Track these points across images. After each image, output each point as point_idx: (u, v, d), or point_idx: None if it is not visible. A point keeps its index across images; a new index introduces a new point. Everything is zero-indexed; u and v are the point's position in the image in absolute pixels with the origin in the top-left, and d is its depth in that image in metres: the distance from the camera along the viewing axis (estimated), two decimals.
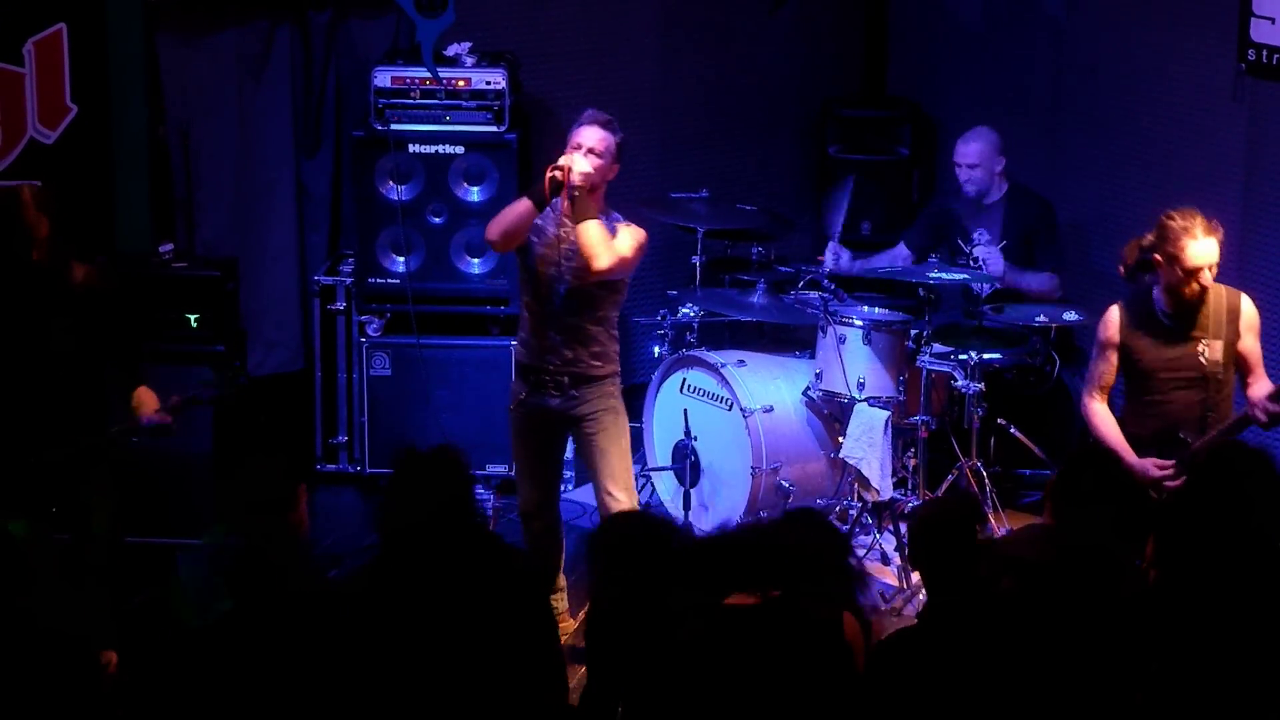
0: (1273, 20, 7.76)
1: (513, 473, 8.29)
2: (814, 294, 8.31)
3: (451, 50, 8.40)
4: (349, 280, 8.55)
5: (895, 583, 7.63)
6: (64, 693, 4.79)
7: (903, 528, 7.79)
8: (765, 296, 8.28)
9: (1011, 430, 8.05)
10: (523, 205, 6.76)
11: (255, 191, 8.80)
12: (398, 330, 8.49)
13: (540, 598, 5.33)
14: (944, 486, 7.93)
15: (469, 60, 8.39)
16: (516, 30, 8.83)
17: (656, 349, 8.48)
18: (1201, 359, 6.65)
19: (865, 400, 7.82)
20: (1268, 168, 7.90)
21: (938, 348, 7.91)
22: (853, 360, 7.85)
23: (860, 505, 7.93)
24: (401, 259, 8.44)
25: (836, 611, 4.92)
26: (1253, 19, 7.83)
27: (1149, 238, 6.66)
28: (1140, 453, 6.69)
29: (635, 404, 8.03)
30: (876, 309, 8.13)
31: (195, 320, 7.80)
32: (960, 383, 7.82)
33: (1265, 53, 7.80)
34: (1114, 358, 6.80)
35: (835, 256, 8.63)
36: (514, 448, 7.17)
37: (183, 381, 7.33)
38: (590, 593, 5.06)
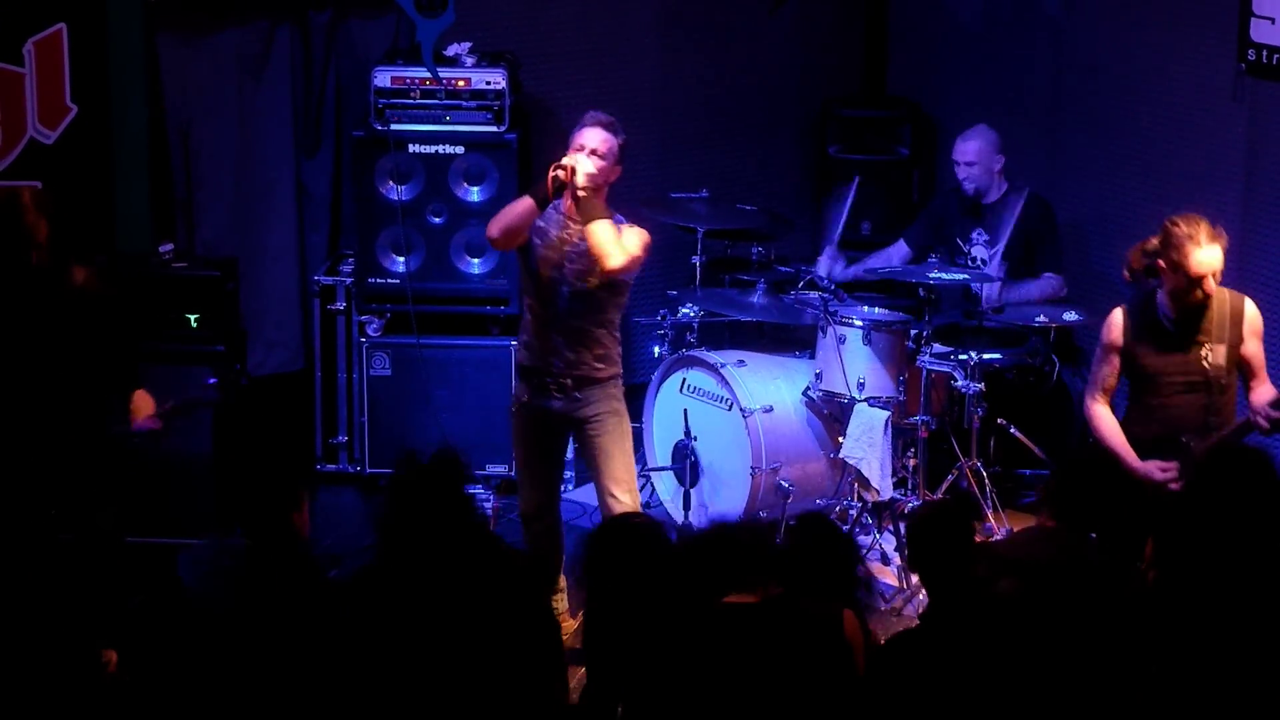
0: (1273, 20, 7.76)
1: (513, 473, 8.30)
2: (814, 294, 8.31)
3: (451, 50, 8.40)
4: (349, 280, 8.55)
5: (895, 583, 7.63)
6: (64, 692, 4.79)
7: (903, 528, 7.79)
8: (765, 296, 8.28)
9: (1011, 430, 8.05)
10: (524, 204, 6.75)
11: (255, 191, 8.80)
12: (398, 330, 8.49)
13: (541, 598, 5.33)
14: (944, 486, 7.93)
15: (469, 60, 8.39)
16: (516, 30, 8.83)
17: (656, 349, 8.48)
18: (1205, 363, 6.64)
19: (865, 400, 7.82)
20: (1268, 168, 7.90)
21: (938, 348, 7.91)
22: (853, 360, 7.85)
23: (860, 505, 7.93)
24: (401, 259, 8.44)
25: (836, 609, 4.92)
26: (1253, 19, 7.83)
27: (1153, 242, 6.65)
28: (1142, 456, 6.68)
29: (635, 404, 8.03)
30: (876, 309, 8.12)
31: (195, 320, 7.80)
32: (960, 383, 7.82)
33: (1265, 53, 7.80)
34: (1116, 361, 6.79)
35: (830, 263, 8.62)
36: (515, 450, 7.17)
37: (183, 382, 7.35)
38: (585, 600, 5.05)
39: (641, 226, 6.90)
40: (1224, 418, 6.68)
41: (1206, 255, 6.52)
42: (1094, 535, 6.07)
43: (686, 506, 7.94)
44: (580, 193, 6.66)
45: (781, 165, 9.70)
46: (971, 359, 7.82)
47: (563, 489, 7.64)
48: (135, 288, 7.67)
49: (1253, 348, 6.68)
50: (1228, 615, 5.04)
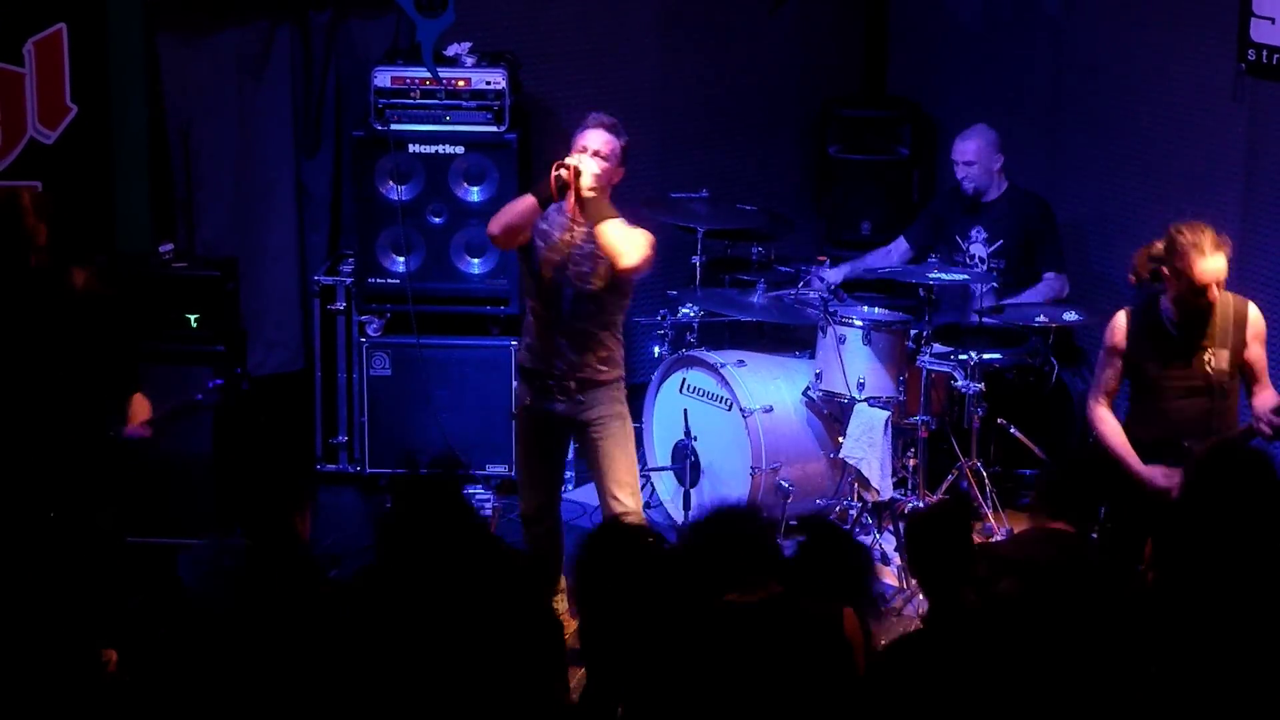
0: (1273, 20, 7.76)
1: (513, 473, 8.30)
2: (814, 294, 8.31)
3: (451, 50, 8.40)
4: (349, 280, 8.55)
5: (895, 583, 7.63)
6: (64, 692, 4.79)
7: (903, 528, 7.79)
8: (765, 296, 8.28)
9: (1011, 430, 8.04)
10: (526, 201, 6.74)
11: (255, 191, 8.80)
12: (398, 330, 8.49)
13: (541, 599, 5.33)
14: (944, 486, 7.93)
15: (469, 60, 8.39)
16: (516, 30, 8.83)
17: (656, 349, 8.48)
18: (1207, 368, 6.63)
19: (865, 400, 7.82)
20: (1268, 168, 7.90)
21: (938, 348, 7.91)
22: (853, 360, 7.85)
23: (860, 505, 7.93)
24: (401, 259, 8.44)
25: (836, 609, 4.92)
26: (1253, 19, 7.83)
27: (1158, 246, 6.64)
28: (1143, 459, 6.68)
29: (635, 404, 8.03)
30: (876, 309, 8.13)
31: (195, 320, 7.79)
32: (960, 383, 7.82)
33: (1265, 53, 7.80)
34: (1119, 364, 6.79)
35: (820, 279, 8.63)
36: (517, 452, 7.15)
37: (183, 382, 7.34)
38: (579, 606, 5.03)
39: (642, 227, 6.90)
40: (1226, 422, 6.68)
41: (1211, 264, 6.51)
42: (1094, 535, 6.09)
43: (686, 506, 7.94)
44: (588, 193, 6.65)
45: (781, 165, 9.70)
46: (971, 359, 7.82)
47: (563, 489, 7.63)
48: (135, 288, 7.68)
49: (1255, 352, 6.67)
50: (1227, 616, 5.04)
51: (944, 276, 7.87)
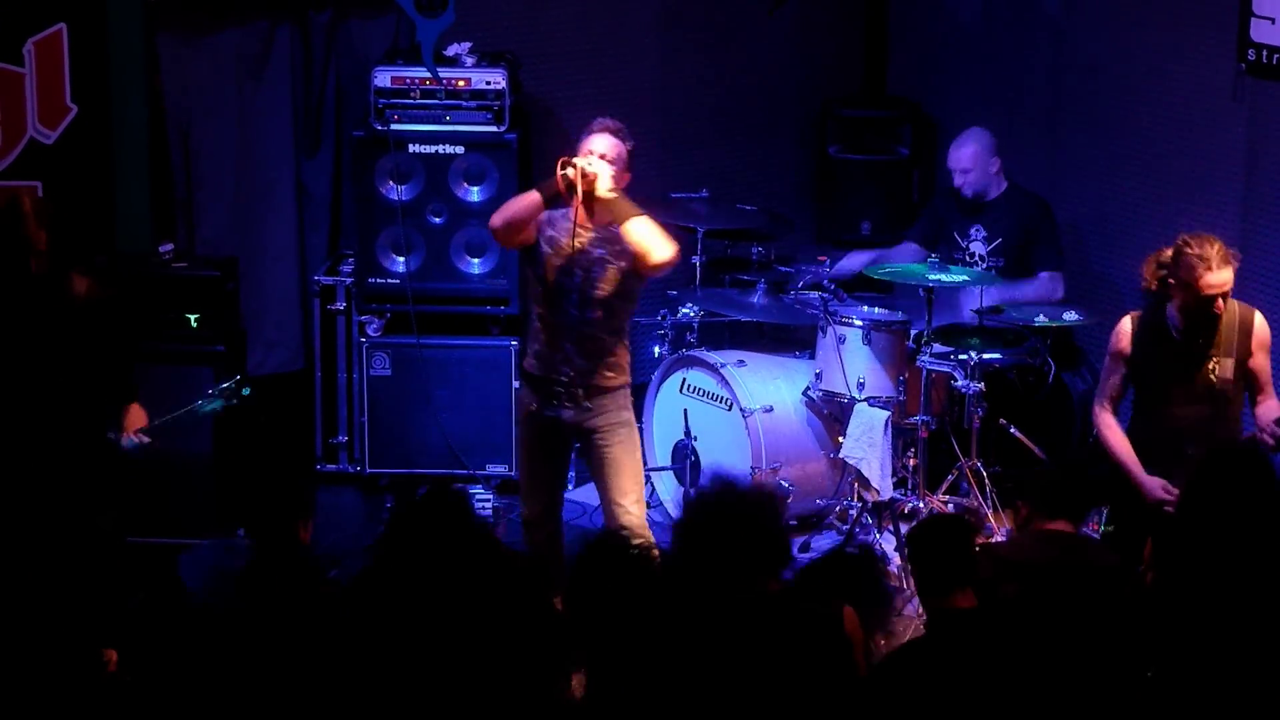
0: (1273, 20, 7.76)
1: (513, 473, 8.31)
2: (814, 294, 8.30)
3: (451, 50, 8.40)
4: (349, 280, 8.55)
5: (895, 583, 7.62)
6: (64, 692, 4.79)
7: (903, 528, 7.79)
8: (765, 296, 8.28)
9: (1011, 430, 8.04)
10: (531, 197, 6.71)
11: (255, 191, 8.80)
12: (398, 330, 8.49)
13: (542, 600, 5.32)
14: (944, 486, 7.93)
15: (469, 60, 8.39)
16: (516, 30, 8.83)
17: (656, 349, 8.48)
18: (1212, 376, 6.61)
19: (865, 400, 7.82)
20: (1268, 168, 7.89)
21: (938, 348, 7.91)
22: (853, 360, 7.85)
23: (860, 505, 7.93)
24: (401, 259, 8.44)
25: (837, 607, 4.92)
26: (1253, 19, 7.83)
27: (1166, 254, 6.62)
28: (1145, 464, 6.67)
29: (635, 404, 8.00)
30: (876, 309, 8.12)
31: (195, 320, 7.80)
32: (960, 383, 7.82)
33: (1265, 53, 7.80)
34: (1124, 370, 6.78)
35: (850, 262, 8.62)
36: (521, 458, 7.10)
37: (184, 383, 7.34)
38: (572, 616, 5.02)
39: None
40: (1229, 430, 6.67)
41: (1217, 278, 6.49)
42: (1096, 536, 6.09)
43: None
44: (609, 194, 6.63)
45: (781, 165, 9.69)
46: (971, 359, 7.81)
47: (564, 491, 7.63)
48: (135, 288, 7.68)
49: (1260, 361, 6.66)
50: (1227, 617, 5.03)
51: (945, 278, 7.84)
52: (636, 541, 4.97)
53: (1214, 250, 6.49)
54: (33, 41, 8.13)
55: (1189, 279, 6.50)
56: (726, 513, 5.03)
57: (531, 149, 8.55)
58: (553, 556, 6.97)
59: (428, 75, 8.26)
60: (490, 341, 8.50)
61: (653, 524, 6.99)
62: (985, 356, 7.86)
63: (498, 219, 6.76)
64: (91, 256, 7.67)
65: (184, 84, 8.59)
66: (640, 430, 8.17)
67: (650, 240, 6.59)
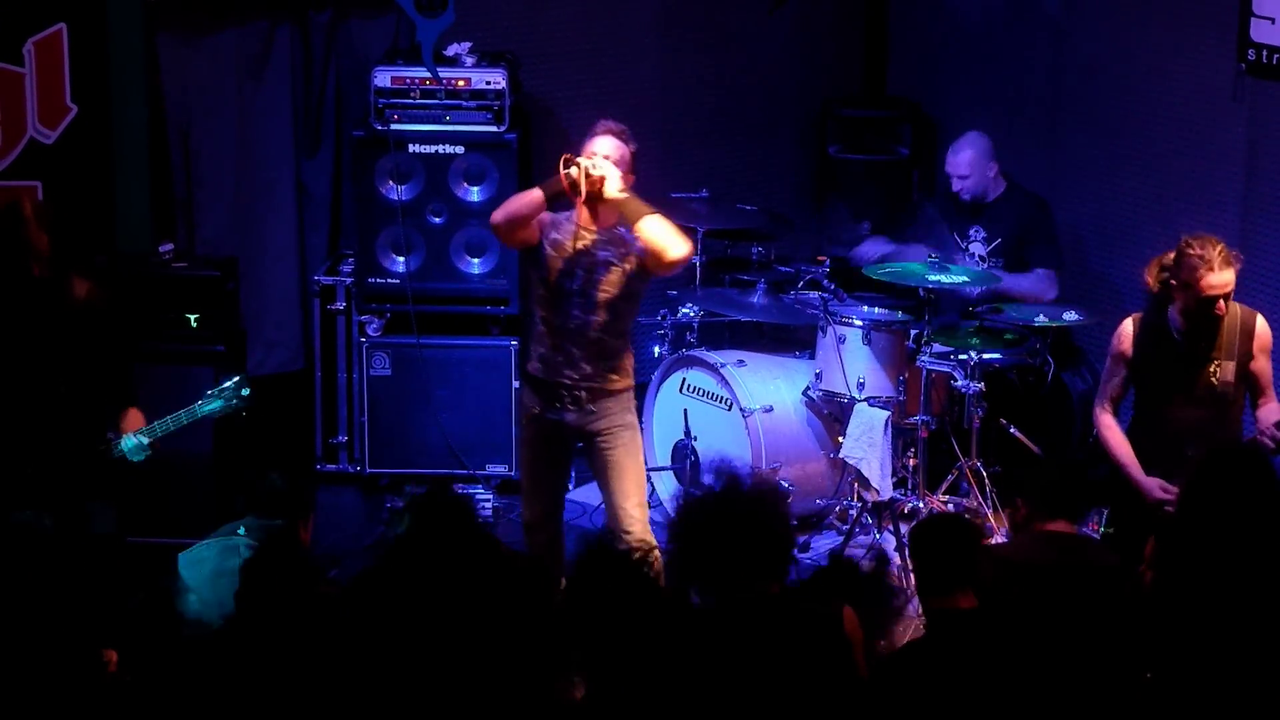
0: (1273, 20, 7.76)
1: (513, 473, 8.31)
2: (814, 294, 8.31)
3: (451, 50, 8.40)
4: (349, 280, 8.55)
5: (895, 583, 7.62)
6: (64, 692, 4.79)
7: (903, 528, 7.79)
8: (765, 296, 8.28)
9: (1012, 430, 8.04)
10: (533, 194, 6.69)
11: (255, 191, 8.80)
12: (398, 330, 8.48)
13: (542, 600, 5.32)
14: (944, 486, 7.93)
15: (469, 60, 8.39)
16: (516, 30, 8.83)
17: (656, 349, 8.48)
18: (1213, 379, 6.62)
19: (865, 400, 7.82)
20: (1268, 168, 7.89)
21: (938, 348, 7.91)
22: (853, 360, 7.85)
23: (860, 505, 7.93)
24: (401, 259, 8.44)
25: (837, 607, 4.92)
26: (1253, 19, 7.83)
27: (1169, 257, 6.63)
28: (1145, 466, 6.67)
29: (636, 404, 8.02)
30: (876, 309, 8.12)
31: (195, 320, 7.80)
32: (960, 383, 7.82)
33: (1265, 53, 7.80)
34: (1125, 371, 6.78)
35: (874, 246, 8.63)
36: (523, 461, 7.07)
37: (184, 383, 7.33)
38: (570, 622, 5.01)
39: None
40: (1229, 433, 6.67)
41: (1219, 280, 6.50)
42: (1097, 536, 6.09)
43: None
44: (620, 194, 6.62)
45: (781, 165, 9.70)
46: (971, 359, 7.81)
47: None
48: (135, 288, 7.68)
49: (1261, 364, 6.66)
50: (1226, 619, 5.03)
51: (944, 279, 7.84)
52: (636, 545, 4.96)
53: (1215, 251, 6.49)
54: (33, 41, 8.13)
55: (1190, 280, 6.51)
56: (728, 513, 5.03)
57: (531, 149, 8.55)
58: (553, 558, 6.96)
59: (428, 75, 8.26)
60: (490, 341, 8.50)
61: (653, 524, 6.99)
62: (985, 356, 7.86)
63: (499, 215, 6.75)
64: (91, 256, 7.68)
65: (184, 84, 8.59)
66: (640, 430, 8.19)
67: (665, 238, 6.58)
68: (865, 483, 7.85)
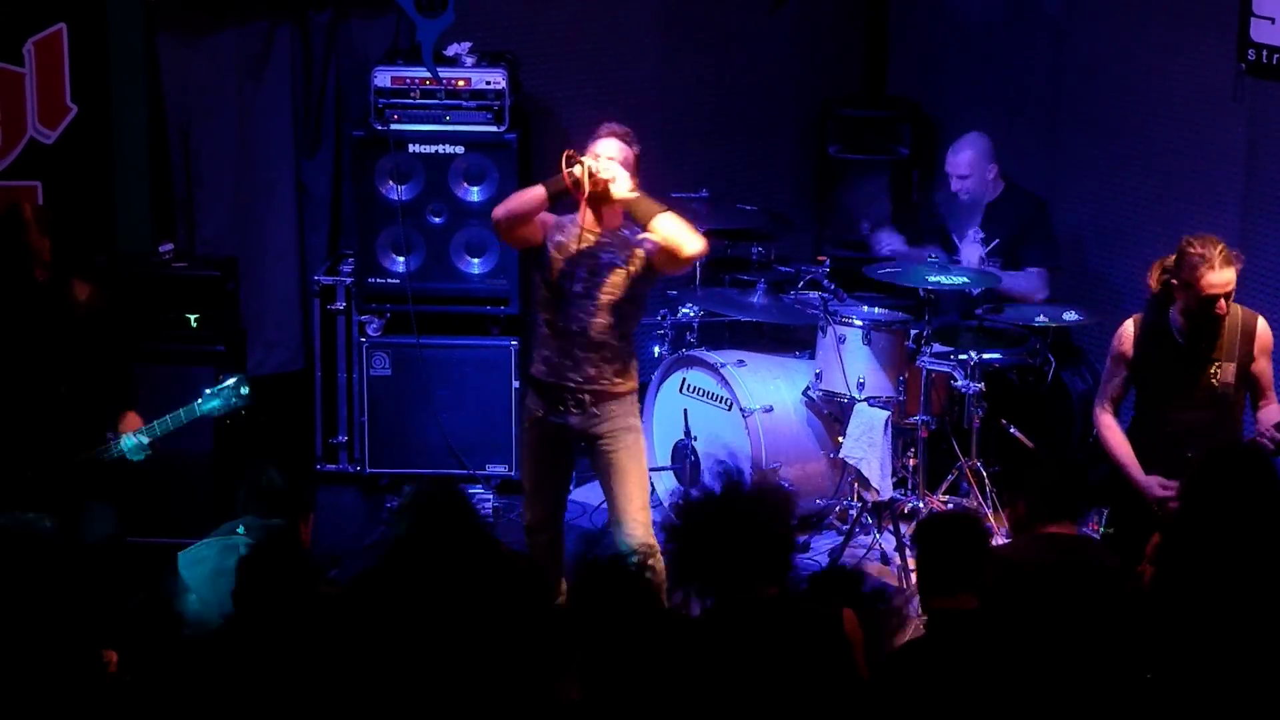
0: (1273, 20, 7.76)
1: (513, 473, 8.31)
2: (814, 294, 8.31)
3: (451, 50, 8.40)
4: (349, 280, 8.55)
5: (895, 583, 7.62)
6: (64, 692, 4.79)
7: (903, 528, 7.79)
8: (765, 296, 8.28)
9: (1012, 430, 8.04)
10: (535, 191, 6.67)
11: (255, 191, 8.80)
12: (398, 330, 8.48)
13: (542, 600, 5.32)
14: (944, 486, 7.93)
15: (469, 60, 8.39)
16: (516, 30, 8.83)
17: (656, 349, 8.48)
18: (1214, 380, 6.62)
19: (865, 400, 7.82)
20: (1268, 168, 7.90)
21: (938, 348, 7.91)
22: (853, 360, 7.85)
23: (860, 505, 7.93)
24: (401, 259, 8.44)
25: (836, 607, 4.92)
26: (1253, 19, 7.83)
27: (1171, 259, 6.64)
28: (1145, 466, 6.67)
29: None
30: (876, 309, 8.12)
31: (195, 320, 7.80)
32: (960, 383, 7.81)
33: (1265, 53, 7.80)
34: (1125, 372, 6.78)
35: (891, 238, 8.61)
36: (525, 463, 7.04)
37: (184, 383, 7.33)
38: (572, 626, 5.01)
39: None
40: (1230, 434, 6.67)
41: (1219, 279, 6.51)
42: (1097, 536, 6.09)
43: None
44: (630, 194, 6.60)
45: (781, 165, 9.69)
46: (971, 359, 7.81)
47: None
48: (135, 288, 7.68)
49: (1262, 366, 6.67)
50: (1226, 619, 5.03)
51: (943, 280, 7.84)
52: (639, 548, 4.96)
53: (1216, 251, 6.50)
54: (33, 41, 8.13)
55: (1191, 279, 6.51)
56: (728, 513, 5.03)
57: (531, 149, 8.55)
58: (554, 560, 6.95)
59: (428, 75, 8.26)
60: (490, 341, 8.50)
61: (653, 524, 6.99)
62: (985, 356, 7.85)
63: (500, 211, 6.72)
64: (91, 256, 7.68)
65: (184, 84, 8.59)
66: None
67: (680, 235, 6.56)
68: (865, 483, 7.85)
